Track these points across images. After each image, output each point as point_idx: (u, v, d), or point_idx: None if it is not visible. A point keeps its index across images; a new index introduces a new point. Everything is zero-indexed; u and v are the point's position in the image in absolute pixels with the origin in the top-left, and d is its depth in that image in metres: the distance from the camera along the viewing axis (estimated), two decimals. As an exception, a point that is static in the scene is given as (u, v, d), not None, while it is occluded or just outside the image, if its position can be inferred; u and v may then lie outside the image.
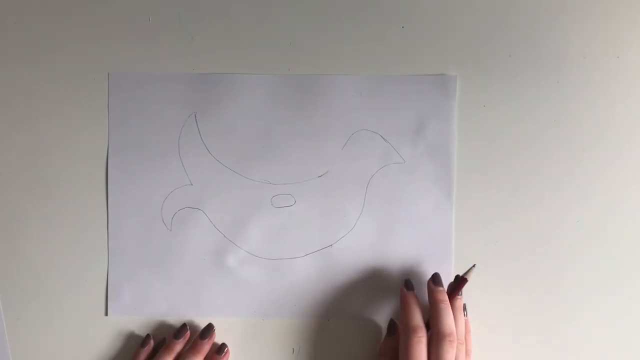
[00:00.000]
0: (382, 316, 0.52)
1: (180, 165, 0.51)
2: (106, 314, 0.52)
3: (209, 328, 0.50)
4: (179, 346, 0.49)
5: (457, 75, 0.51)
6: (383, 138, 0.51)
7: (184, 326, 0.50)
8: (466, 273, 0.48)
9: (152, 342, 0.50)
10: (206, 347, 0.50)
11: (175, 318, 0.52)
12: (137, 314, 0.52)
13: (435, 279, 0.48)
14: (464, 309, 0.49)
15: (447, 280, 0.50)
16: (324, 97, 0.51)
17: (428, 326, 0.46)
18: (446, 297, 0.47)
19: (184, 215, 0.51)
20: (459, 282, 0.48)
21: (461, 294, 0.48)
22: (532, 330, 0.52)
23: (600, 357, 0.52)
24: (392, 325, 0.50)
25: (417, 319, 0.46)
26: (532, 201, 0.51)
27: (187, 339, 0.50)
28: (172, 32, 0.51)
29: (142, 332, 0.52)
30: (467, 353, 0.47)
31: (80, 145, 0.51)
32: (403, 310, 0.47)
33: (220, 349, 0.50)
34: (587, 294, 0.52)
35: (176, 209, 0.51)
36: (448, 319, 0.45)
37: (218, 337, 0.51)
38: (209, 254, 0.51)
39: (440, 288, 0.47)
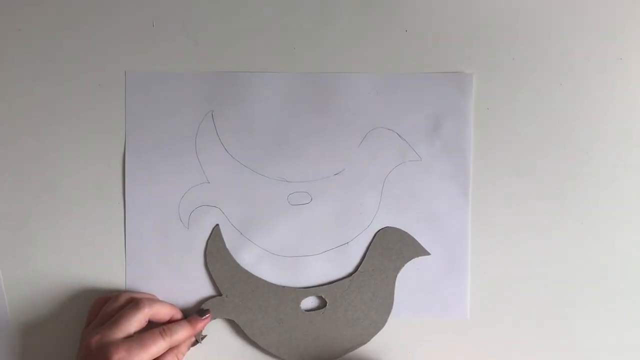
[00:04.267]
0: (396, 313, 0.52)
1: (197, 163, 0.51)
2: (123, 312, 0.52)
3: (207, 311, 0.50)
4: (201, 324, 0.49)
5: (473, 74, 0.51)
6: (399, 136, 0.51)
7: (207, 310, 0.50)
8: None
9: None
10: (201, 325, 0.49)
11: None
12: (153, 312, 0.52)
13: None
14: None
15: (462, 278, 0.50)
16: (340, 94, 0.51)
17: None
18: None
19: (201, 213, 0.51)
20: None
21: None
22: (545, 325, 0.52)
23: (605, 356, 0.52)
24: None
25: None
26: (539, 201, 0.52)
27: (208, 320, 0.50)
28: (189, 32, 0.51)
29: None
30: None
31: (97, 144, 0.52)
32: None
33: (203, 312, 0.49)
34: (605, 293, 0.52)
35: (193, 206, 0.51)
36: None
37: (233, 334, 0.52)
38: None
39: None
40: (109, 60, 0.51)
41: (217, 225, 0.51)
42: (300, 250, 0.52)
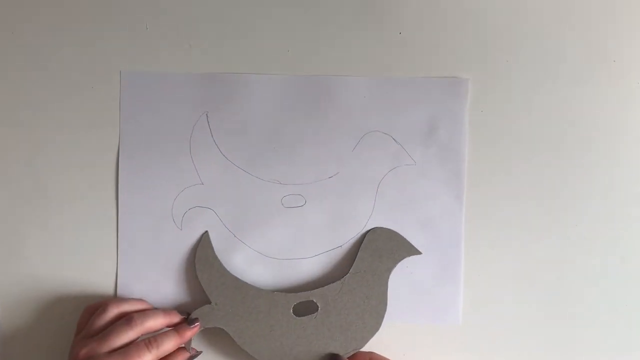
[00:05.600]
0: (389, 317, 0.52)
1: (192, 164, 0.51)
2: (114, 313, 0.52)
3: (196, 319, 0.49)
4: (189, 333, 0.48)
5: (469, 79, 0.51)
6: (394, 140, 0.51)
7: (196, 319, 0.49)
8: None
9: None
10: (189, 334, 0.48)
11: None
12: (145, 313, 0.51)
13: None
14: None
15: (455, 282, 0.50)
16: (335, 98, 0.51)
17: None
18: None
19: (195, 214, 0.51)
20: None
21: None
22: (537, 330, 0.52)
23: (599, 357, 0.52)
24: None
25: None
26: (534, 204, 0.52)
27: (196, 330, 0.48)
28: (183, 34, 0.51)
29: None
30: None
31: (90, 144, 0.51)
32: None
33: (192, 321, 0.48)
34: (600, 297, 0.52)
35: (187, 207, 0.51)
36: None
37: (223, 343, 0.51)
38: (219, 253, 0.51)
39: None
40: (103, 60, 0.51)
41: (206, 231, 0.51)
42: (293, 253, 0.52)
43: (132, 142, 0.51)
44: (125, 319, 0.46)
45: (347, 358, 0.49)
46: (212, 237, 0.51)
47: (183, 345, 0.48)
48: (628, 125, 0.52)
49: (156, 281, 0.51)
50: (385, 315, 0.51)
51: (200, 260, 0.50)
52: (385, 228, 0.51)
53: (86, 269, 0.52)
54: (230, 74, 0.51)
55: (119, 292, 0.51)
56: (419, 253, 0.51)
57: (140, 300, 0.50)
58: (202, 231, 0.51)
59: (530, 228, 0.52)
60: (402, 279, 0.51)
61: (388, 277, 0.50)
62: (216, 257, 0.51)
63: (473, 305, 0.52)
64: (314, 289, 0.51)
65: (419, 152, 0.51)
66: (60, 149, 0.51)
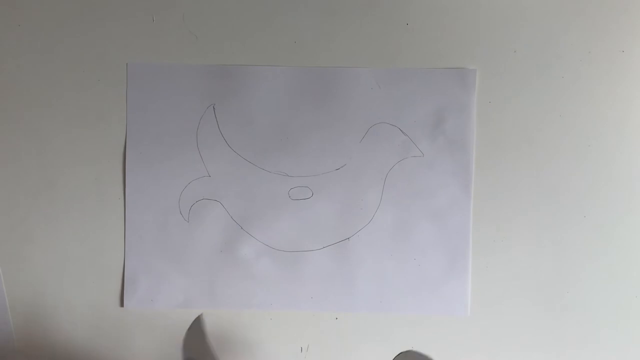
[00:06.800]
0: (397, 308, 0.51)
1: (198, 157, 0.51)
2: (121, 305, 0.52)
3: None
4: None
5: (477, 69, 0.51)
6: (402, 131, 0.51)
7: None
8: None
9: None
10: None
11: (190, 310, 0.51)
12: (152, 306, 0.51)
13: None
14: None
15: (463, 274, 0.50)
16: (342, 89, 0.51)
17: None
18: None
19: (202, 207, 0.51)
20: None
21: None
22: (545, 322, 0.52)
23: (605, 352, 0.52)
24: None
25: None
26: (541, 196, 0.51)
27: None
28: (189, 26, 0.51)
29: (157, 324, 0.52)
30: None
31: (97, 137, 0.51)
32: None
33: None
34: (608, 289, 0.52)
35: (194, 200, 0.51)
36: None
37: (231, 331, 0.51)
38: (226, 245, 0.51)
39: None
40: (110, 52, 0.51)
41: (201, 314, 0.45)
42: (300, 245, 0.52)
43: (139, 135, 0.51)
44: None
45: None
46: (219, 229, 0.51)
47: None
48: (635, 116, 0.51)
49: (162, 273, 0.51)
50: (394, 307, 0.50)
51: (191, 344, 0.42)
52: (418, 353, 0.41)
53: (94, 261, 0.52)
54: (237, 66, 0.51)
55: (125, 284, 0.51)
56: None
57: None
58: (208, 224, 0.51)
59: (538, 219, 0.51)
60: (410, 271, 0.51)
61: None
62: (209, 344, 0.42)
63: (481, 296, 0.51)
64: (323, 281, 0.49)
65: (426, 144, 0.51)
66: (67, 142, 0.51)
